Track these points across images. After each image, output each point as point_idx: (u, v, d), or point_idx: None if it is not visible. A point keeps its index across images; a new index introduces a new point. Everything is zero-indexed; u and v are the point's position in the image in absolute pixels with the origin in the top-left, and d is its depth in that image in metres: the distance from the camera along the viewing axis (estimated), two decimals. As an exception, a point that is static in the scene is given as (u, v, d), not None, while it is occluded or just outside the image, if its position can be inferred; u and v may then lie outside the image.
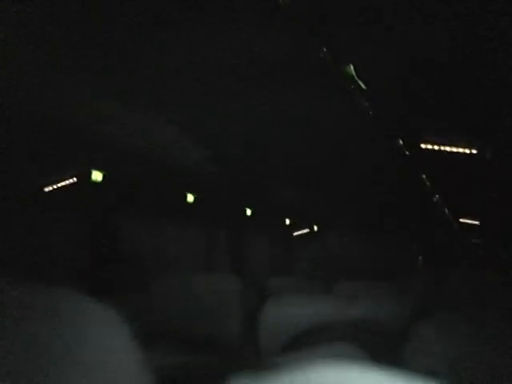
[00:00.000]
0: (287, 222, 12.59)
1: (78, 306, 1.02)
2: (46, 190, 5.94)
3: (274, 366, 2.32)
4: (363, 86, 4.41)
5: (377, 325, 3.06)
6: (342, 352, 2.20)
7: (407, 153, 6.55)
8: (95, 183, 5.97)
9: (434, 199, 10.14)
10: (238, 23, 3.67)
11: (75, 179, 5.97)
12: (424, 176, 8.04)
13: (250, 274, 9.26)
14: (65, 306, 1.01)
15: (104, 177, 6.01)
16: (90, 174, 5.91)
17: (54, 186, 5.93)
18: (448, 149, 5.93)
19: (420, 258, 13.68)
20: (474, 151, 5.82)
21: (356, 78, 4.28)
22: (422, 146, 6.05)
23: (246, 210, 10.25)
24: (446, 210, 11.64)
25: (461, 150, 5.84)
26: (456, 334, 1.86)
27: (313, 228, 13.70)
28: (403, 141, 6.22)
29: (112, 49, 4.05)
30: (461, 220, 12.75)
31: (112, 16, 3.57)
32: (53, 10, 3.43)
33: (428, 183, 8.46)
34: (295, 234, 13.44)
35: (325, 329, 2.95)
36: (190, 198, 8.16)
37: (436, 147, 5.98)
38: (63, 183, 5.94)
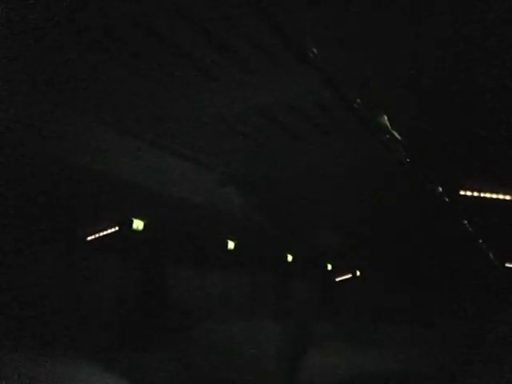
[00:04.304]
0: (329, 267, 12.51)
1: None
2: (89, 238, 6.07)
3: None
4: (398, 136, 4.45)
5: (418, 377, 3.04)
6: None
7: (447, 199, 6.51)
8: (136, 231, 6.08)
9: (478, 245, 9.95)
10: (273, 72, 3.78)
11: (117, 228, 6.09)
12: (466, 222, 7.94)
13: (291, 321, 9.20)
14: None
15: (145, 225, 6.12)
16: (131, 222, 6.03)
17: (97, 235, 6.05)
18: (488, 195, 5.87)
19: (468, 305, 13.34)
20: (515, 197, 5.76)
21: (390, 128, 4.32)
22: (462, 192, 6.00)
23: (287, 256, 10.24)
24: (491, 255, 11.39)
25: (501, 196, 5.78)
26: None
27: (355, 273, 13.55)
28: (442, 188, 6.19)
29: (151, 99, 4.21)
30: (507, 265, 12.41)
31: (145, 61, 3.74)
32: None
33: (470, 229, 8.33)
34: (338, 279, 13.32)
35: (364, 380, 2.95)
36: (231, 244, 8.23)
37: (476, 193, 5.92)
38: (105, 232, 6.07)
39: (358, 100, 4.07)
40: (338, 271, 13.07)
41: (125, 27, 3.20)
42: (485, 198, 5.89)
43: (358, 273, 13.55)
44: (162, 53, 3.54)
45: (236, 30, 3.25)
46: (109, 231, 6.05)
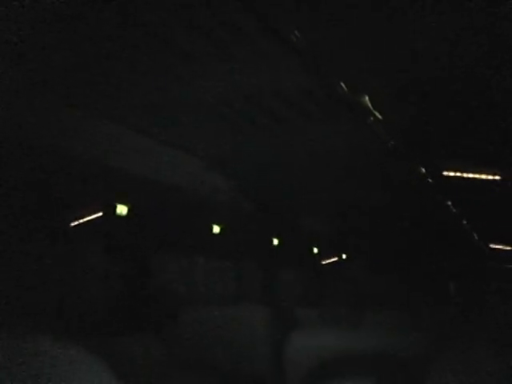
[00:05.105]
0: (315, 250, 12.52)
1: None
2: (72, 224, 6.01)
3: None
4: (379, 116, 4.46)
5: (400, 357, 3.05)
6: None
7: (430, 180, 6.54)
8: (120, 216, 6.04)
9: (462, 226, 10.04)
10: (257, 60, 3.78)
11: (100, 213, 6.05)
12: (450, 203, 7.99)
13: (277, 304, 9.23)
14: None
15: (129, 210, 6.09)
16: (115, 207, 5.99)
17: (80, 221, 6.00)
18: (471, 175, 5.90)
19: (452, 286, 13.47)
20: (497, 177, 5.79)
21: (372, 109, 4.33)
22: (445, 173, 6.03)
23: (272, 240, 10.24)
24: (476, 236, 11.50)
25: (484, 176, 5.81)
26: (480, 368, 1.84)
27: (341, 257, 13.58)
28: (426, 169, 6.22)
29: (138, 86, 4.19)
30: (491, 246, 12.54)
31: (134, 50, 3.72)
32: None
33: (454, 210, 8.39)
34: (324, 262, 13.33)
35: (347, 361, 2.96)
36: (216, 229, 8.21)
37: (459, 174, 5.96)
38: (89, 217, 6.02)
39: (342, 84, 4.07)
40: (324, 255, 13.08)
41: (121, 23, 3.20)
42: (469, 178, 5.93)
43: (344, 256, 13.59)
44: (149, 42, 3.53)
45: (222, 17, 3.24)
46: (92, 217, 6.01)
